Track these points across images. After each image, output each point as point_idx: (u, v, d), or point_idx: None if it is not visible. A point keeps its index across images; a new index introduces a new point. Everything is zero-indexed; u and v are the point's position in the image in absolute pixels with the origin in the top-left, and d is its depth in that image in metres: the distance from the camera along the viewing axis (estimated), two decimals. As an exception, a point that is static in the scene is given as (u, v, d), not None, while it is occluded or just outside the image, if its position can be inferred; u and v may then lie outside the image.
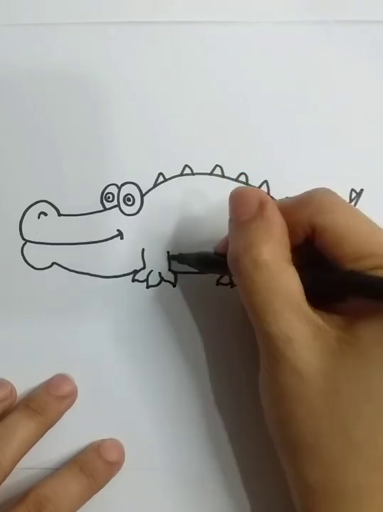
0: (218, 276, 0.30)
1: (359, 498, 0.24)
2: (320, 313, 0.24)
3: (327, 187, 0.26)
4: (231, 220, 0.26)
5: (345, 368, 0.23)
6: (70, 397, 0.30)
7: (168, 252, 0.31)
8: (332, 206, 0.25)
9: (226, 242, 0.27)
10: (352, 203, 0.31)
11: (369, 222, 0.25)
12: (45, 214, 0.31)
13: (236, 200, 0.26)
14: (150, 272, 0.31)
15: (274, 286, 0.24)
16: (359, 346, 0.23)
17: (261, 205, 0.25)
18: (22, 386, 0.30)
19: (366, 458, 0.23)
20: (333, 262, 0.25)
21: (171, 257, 0.31)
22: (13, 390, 0.30)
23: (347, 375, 0.23)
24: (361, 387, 0.23)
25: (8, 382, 0.30)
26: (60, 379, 0.30)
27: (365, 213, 0.26)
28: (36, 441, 0.29)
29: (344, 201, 0.26)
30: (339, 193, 0.26)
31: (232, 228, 0.26)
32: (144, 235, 0.31)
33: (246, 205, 0.25)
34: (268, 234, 0.25)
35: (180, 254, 0.30)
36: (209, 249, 0.30)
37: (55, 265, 0.31)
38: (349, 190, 0.30)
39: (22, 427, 0.29)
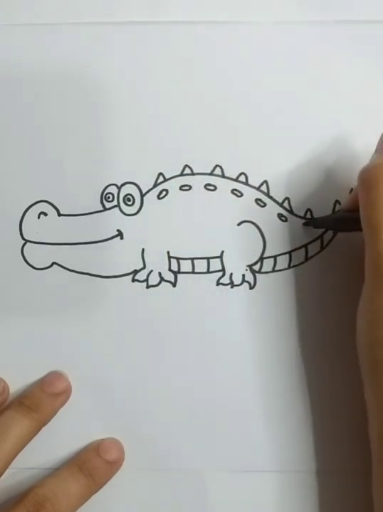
0: (218, 276, 0.30)
1: None
2: None
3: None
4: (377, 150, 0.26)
5: None
6: (65, 394, 0.30)
7: (170, 253, 0.31)
8: None
9: (352, 198, 0.26)
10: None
11: None
12: (45, 214, 0.31)
13: None
14: (150, 272, 0.31)
15: None
16: None
17: None
18: (22, 386, 0.30)
19: None
20: None
21: (304, 223, 0.30)
22: (5, 387, 0.30)
23: None
24: None
25: (1, 379, 0.30)
26: (54, 376, 0.30)
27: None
28: (31, 439, 0.29)
29: None
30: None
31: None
32: (144, 235, 0.31)
33: None
34: None
35: (314, 219, 0.30)
36: (209, 249, 0.30)
37: (55, 265, 0.31)
38: (349, 190, 0.30)
39: (16, 424, 0.28)
